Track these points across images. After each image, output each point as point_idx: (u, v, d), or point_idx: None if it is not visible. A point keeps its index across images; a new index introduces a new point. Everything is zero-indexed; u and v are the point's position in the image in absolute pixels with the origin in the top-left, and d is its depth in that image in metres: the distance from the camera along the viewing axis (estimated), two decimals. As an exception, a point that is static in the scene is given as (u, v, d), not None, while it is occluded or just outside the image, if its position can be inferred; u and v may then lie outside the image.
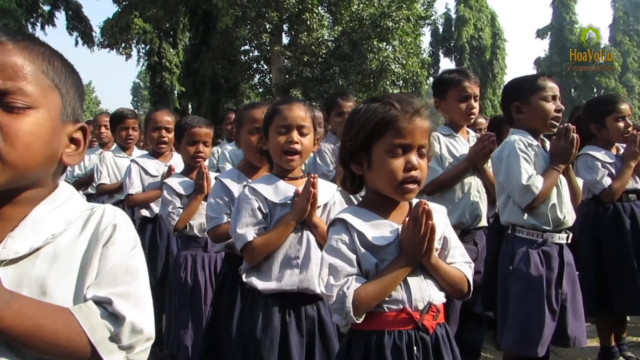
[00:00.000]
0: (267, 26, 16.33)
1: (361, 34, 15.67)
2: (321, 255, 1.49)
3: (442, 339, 1.44)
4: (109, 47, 18.93)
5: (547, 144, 2.46)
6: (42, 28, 19.04)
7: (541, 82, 2.43)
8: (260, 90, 18.99)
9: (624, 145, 2.98)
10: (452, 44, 30.70)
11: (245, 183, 2.13)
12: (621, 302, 2.89)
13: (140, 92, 49.53)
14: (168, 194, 2.78)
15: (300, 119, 1.95)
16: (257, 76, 19.14)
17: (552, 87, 2.43)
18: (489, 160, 2.63)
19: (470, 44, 30.02)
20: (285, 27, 16.81)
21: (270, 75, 17.90)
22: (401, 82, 16.92)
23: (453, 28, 30.71)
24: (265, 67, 18.47)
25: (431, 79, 20.83)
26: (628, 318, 3.39)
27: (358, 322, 1.38)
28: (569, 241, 2.40)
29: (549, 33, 32.82)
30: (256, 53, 18.52)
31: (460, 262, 1.54)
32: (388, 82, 16.16)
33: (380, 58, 15.64)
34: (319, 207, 1.93)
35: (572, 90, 32.19)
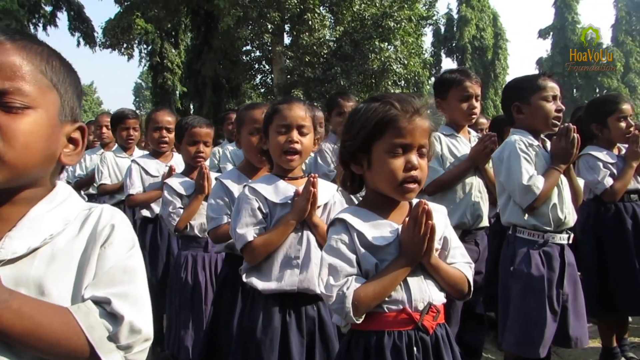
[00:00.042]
0: (269, 26, 16.35)
1: (363, 34, 15.67)
2: (321, 256, 1.48)
3: (442, 339, 1.43)
4: (111, 48, 18.98)
5: (548, 144, 2.46)
6: (44, 29, 19.10)
7: (541, 82, 2.42)
8: (262, 90, 19.01)
9: (626, 146, 2.97)
10: (454, 44, 30.68)
11: (245, 184, 2.13)
12: (623, 302, 2.89)
13: (142, 93, 49.62)
14: (168, 194, 2.78)
15: (300, 119, 1.95)
16: (259, 76, 19.20)
17: (552, 87, 2.42)
18: (490, 161, 2.63)
19: (472, 44, 30.00)
20: (286, 27, 16.83)
21: (272, 76, 17.92)
22: (403, 82, 16.94)
23: (455, 28, 30.69)
24: (267, 67, 18.49)
25: (433, 79, 20.79)
26: (630, 318, 3.38)
27: (358, 322, 1.38)
28: (570, 241, 2.40)
29: (551, 33, 32.79)
30: (258, 53, 18.55)
31: (460, 262, 1.53)
32: (390, 83, 16.18)
33: (382, 58, 15.65)
34: (319, 207, 1.93)
35: (575, 90, 32.16)
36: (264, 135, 2.02)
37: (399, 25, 15.84)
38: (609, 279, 2.91)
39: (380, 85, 15.98)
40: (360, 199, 1.63)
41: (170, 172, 3.15)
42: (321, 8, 16.37)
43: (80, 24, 19.71)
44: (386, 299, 1.39)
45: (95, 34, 19.81)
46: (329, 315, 1.88)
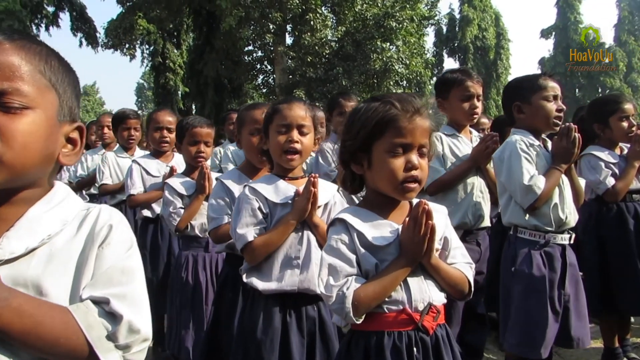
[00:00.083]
0: (271, 27, 16.35)
1: (365, 34, 15.66)
2: (321, 256, 1.48)
3: (442, 339, 1.43)
4: (113, 48, 19.02)
5: (549, 143, 2.45)
6: (47, 29, 19.17)
7: (542, 82, 2.42)
8: (264, 90, 19.01)
9: (628, 145, 2.97)
10: (456, 44, 30.66)
11: (245, 184, 2.13)
12: (625, 302, 2.88)
13: (144, 93, 49.72)
14: (169, 194, 2.78)
15: (300, 119, 1.95)
16: (261, 77, 19.19)
17: (553, 86, 2.42)
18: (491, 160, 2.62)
19: (474, 44, 29.97)
20: (288, 27, 16.83)
21: (274, 76, 17.92)
22: (405, 82, 16.93)
23: (457, 28, 30.67)
24: (269, 67, 18.49)
25: (435, 79, 20.76)
26: (632, 319, 3.36)
27: (358, 322, 1.37)
28: (572, 242, 2.39)
29: (554, 33, 32.74)
30: (260, 53, 18.56)
31: (460, 262, 1.52)
32: (392, 83, 16.17)
33: (384, 58, 15.64)
34: (319, 207, 1.93)
35: (577, 90, 32.11)
36: (264, 135, 2.02)
37: (401, 26, 15.82)
38: (611, 279, 2.90)
39: (382, 86, 15.96)
40: (361, 198, 1.63)
41: (172, 173, 3.16)
42: (323, 8, 16.37)
43: (83, 25, 19.75)
44: (386, 299, 1.39)
45: (98, 35, 19.88)
46: (330, 316, 1.88)
